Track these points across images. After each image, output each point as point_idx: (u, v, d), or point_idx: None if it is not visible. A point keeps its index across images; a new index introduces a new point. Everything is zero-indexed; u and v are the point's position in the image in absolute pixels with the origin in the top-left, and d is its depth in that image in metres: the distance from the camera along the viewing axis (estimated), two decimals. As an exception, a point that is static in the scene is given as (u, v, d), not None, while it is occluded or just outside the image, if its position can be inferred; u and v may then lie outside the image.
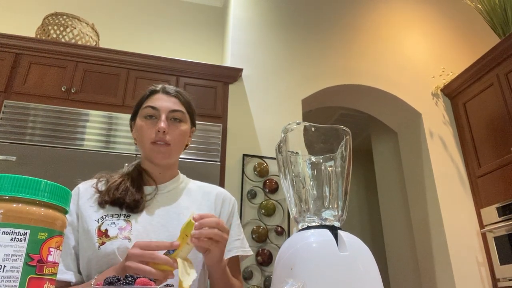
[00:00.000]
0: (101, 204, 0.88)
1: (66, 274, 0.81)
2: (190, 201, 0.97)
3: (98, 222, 0.85)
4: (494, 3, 2.96)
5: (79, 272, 0.84)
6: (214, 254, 0.74)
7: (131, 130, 1.02)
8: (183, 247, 0.68)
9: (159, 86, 1.00)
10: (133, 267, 0.66)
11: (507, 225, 2.48)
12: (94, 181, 0.95)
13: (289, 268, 0.60)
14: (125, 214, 0.87)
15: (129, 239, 0.82)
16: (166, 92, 0.98)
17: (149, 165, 0.96)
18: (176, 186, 0.99)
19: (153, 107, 0.93)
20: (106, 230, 0.83)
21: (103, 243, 0.81)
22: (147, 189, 0.94)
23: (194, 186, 1.04)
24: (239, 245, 0.97)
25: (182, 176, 1.04)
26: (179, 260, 0.67)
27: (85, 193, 0.92)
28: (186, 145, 1.02)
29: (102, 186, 0.92)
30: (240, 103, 2.70)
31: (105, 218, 0.86)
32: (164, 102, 0.95)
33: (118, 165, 2.20)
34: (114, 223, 0.85)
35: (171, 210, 0.93)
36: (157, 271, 0.66)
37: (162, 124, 0.90)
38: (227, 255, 0.92)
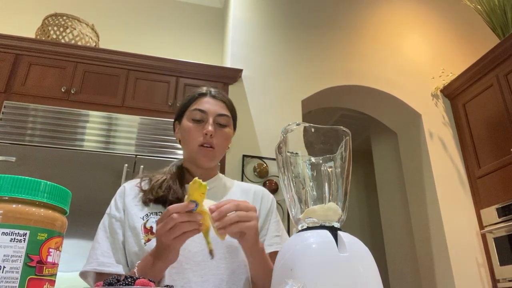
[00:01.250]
0: (145, 202, 0.91)
1: (117, 268, 0.84)
2: (230, 198, 0.98)
3: (143, 220, 0.88)
4: (494, 4, 2.96)
5: (127, 266, 0.86)
6: (249, 236, 0.74)
7: (174, 130, 1.04)
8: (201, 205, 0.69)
9: (205, 89, 1.02)
10: (168, 233, 0.68)
11: (506, 226, 2.48)
12: (138, 180, 0.98)
13: (288, 269, 0.60)
14: None
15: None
16: (214, 96, 1.00)
17: (192, 166, 0.99)
18: (217, 185, 1.02)
19: (201, 110, 0.96)
20: (151, 227, 0.86)
21: (148, 240, 0.84)
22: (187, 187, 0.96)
23: (233, 184, 1.07)
24: (279, 241, 0.97)
25: (221, 176, 1.07)
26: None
27: (130, 191, 0.95)
28: (227, 148, 1.05)
29: (145, 185, 0.95)
30: (239, 103, 2.70)
31: (149, 215, 0.89)
32: (212, 106, 0.97)
33: (118, 166, 2.20)
34: None
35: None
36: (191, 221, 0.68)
37: (210, 128, 0.93)
38: (268, 250, 0.92)
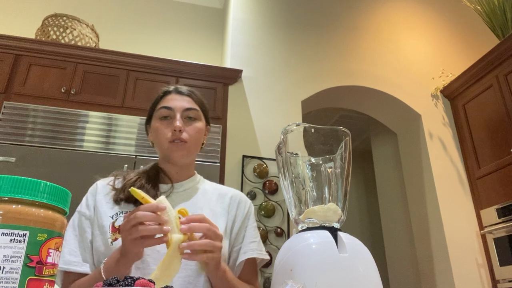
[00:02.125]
0: (116, 201, 0.89)
1: (84, 267, 0.83)
2: (205, 201, 0.97)
3: (113, 218, 0.87)
4: (494, 4, 2.96)
5: (94, 264, 0.85)
6: (210, 266, 0.74)
7: (147, 134, 1.03)
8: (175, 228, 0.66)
9: (171, 87, 1.01)
10: (129, 232, 0.67)
11: (506, 226, 2.48)
12: (111, 178, 0.97)
13: (288, 270, 0.60)
14: None
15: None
16: (179, 92, 0.99)
17: (167, 165, 0.98)
18: (193, 186, 1.00)
19: (167, 107, 0.95)
20: (120, 226, 0.85)
21: (115, 239, 0.83)
22: (163, 187, 0.95)
23: (210, 187, 1.05)
24: (255, 247, 0.95)
25: (198, 177, 1.05)
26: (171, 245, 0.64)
27: (102, 189, 0.94)
28: (202, 144, 1.03)
29: (118, 184, 0.94)
30: (239, 104, 2.70)
31: (119, 214, 0.87)
32: (178, 102, 0.96)
33: (118, 166, 2.20)
34: None
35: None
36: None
37: (178, 123, 0.92)
38: (242, 257, 0.92)
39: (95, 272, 0.79)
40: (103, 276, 0.73)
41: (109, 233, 0.84)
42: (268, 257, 0.98)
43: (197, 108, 0.99)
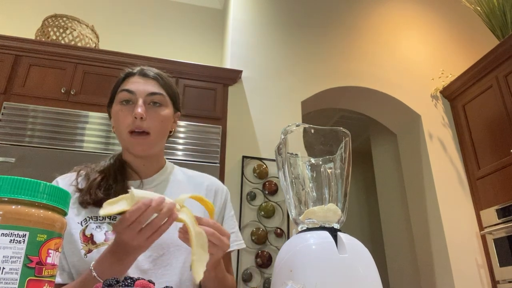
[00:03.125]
0: (83, 204, 0.80)
1: (62, 276, 0.77)
2: (179, 194, 0.93)
3: (82, 225, 0.78)
4: (493, 5, 2.96)
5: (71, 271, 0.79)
6: (213, 258, 0.69)
7: (110, 118, 0.92)
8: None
9: (136, 69, 0.90)
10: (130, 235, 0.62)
11: (506, 227, 2.48)
12: (73, 176, 0.87)
13: (288, 270, 0.60)
14: (110, 216, 0.79)
15: None
16: (144, 74, 0.89)
17: (131, 156, 0.88)
18: (164, 178, 0.91)
19: (129, 91, 0.85)
20: (92, 235, 0.77)
21: (89, 251, 0.76)
22: (131, 184, 0.85)
23: (184, 176, 0.96)
24: (234, 238, 0.90)
25: (169, 166, 0.96)
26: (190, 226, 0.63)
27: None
28: (171, 132, 0.93)
29: (82, 183, 0.84)
30: (239, 105, 2.70)
31: (88, 220, 0.79)
32: (141, 86, 0.86)
33: (118, 166, 2.19)
34: (99, 226, 0.78)
35: None
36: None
37: (139, 110, 0.81)
38: None
39: (85, 277, 0.69)
40: (99, 280, 0.68)
41: (80, 243, 0.77)
42: (244, 245, 0.94)
43: (163, 93, 0.88)
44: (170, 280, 0.79)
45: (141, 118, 0.81)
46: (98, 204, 0.77)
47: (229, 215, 0.95)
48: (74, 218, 0.80)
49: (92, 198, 0.80)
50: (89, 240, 0.77)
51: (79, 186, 0.84)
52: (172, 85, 0.93)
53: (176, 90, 0.95)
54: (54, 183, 0.86)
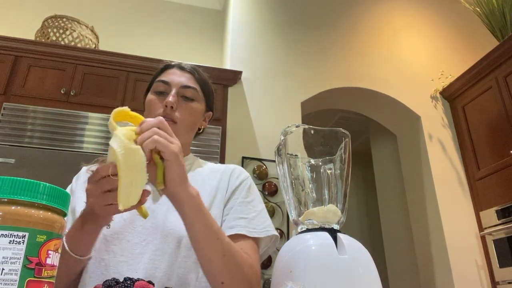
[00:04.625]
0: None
1: None
2: (194, 183, 0.84)
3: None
4: (493, 6, 2.97)
5: None
6: (171, 167, 0.61)
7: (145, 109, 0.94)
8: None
9: (175, 62, 0.94)
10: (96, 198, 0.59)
11: (506, 228, 2.48)
12: (95, 165, 0.86)
13: (288, 271, 0.60)
14: None
15: (108, 226, 0.73)
16: (181, 68, 0.92)
17: None
18: (185, 164, 0.90)
19: (164, 82, 0.87)
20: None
21: None
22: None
23: (206, 168, 0.93)
24: (244, 224, 0.81)
25: (193, 158, 0.94)
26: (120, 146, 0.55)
27: (85, 174, 0.87)
28: (200, 130, 0.94)
29: None
30: (239, 105, 2.70)
31: None
32: (176, 77, 0.88)
33: (117, 167, 2.19)
34: None
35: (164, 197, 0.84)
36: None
37: (171, 99, 0.83)
38: (228, 232, 0.78)
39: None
40: (66, 248, 0.66)
41: None
42: (264, 234, 0.81)
43: (197, 87, 0.90)
44: (160, 266, 0.74)
45: (171, 107, 0.83)
46: None
47: (244, 200, 0.85)
48: (82, 198, 0.77)
49: None
50: None
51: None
52: (208, 82, 0.94)
53: (211, 88, 0.96)
54: (81, 169, 0.90)
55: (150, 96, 0.88)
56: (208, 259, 0.69)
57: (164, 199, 0.80)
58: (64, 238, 0.63)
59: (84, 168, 0.90)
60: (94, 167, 0.86)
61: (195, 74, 0.92)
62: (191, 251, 0.75)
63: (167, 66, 0.92)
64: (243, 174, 0.92)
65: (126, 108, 0.66)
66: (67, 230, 0.74)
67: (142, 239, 0.77)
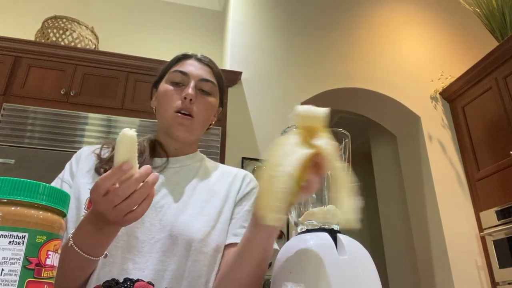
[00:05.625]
0: (97, 170, 0.77)
1: None
2: (202, 180, 0.85)
3: None
4: (492, 7, 2.97)
5: None
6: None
7: (151, 98, 0.91)
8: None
9: (190, 52, 0.89)
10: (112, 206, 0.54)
11: (506, 228, 2.48)
12: (98, 146, 0.84)
13: (288, 272, 0.60)
14: None
15: None
16: (199, 60, 0.88)
17: (166, 138, 0.86)
18: (191, 164, 0.88)
19: (182, 72, 0.84)
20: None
21: None
22: (157, 161, 0.83)
23: (213, 166, 0.93)
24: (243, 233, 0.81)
25: (200, 155, 0.93)
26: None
27: (86, 157, 0.82)
28: (210, 125, 0.92)
29: (105, 154, 0.82)
30: (239, 106, 2.70)
31: None
32: (195, 69, 0.85)
33: (117, 168, 2.19)
34: None
35: (175, 189, 0.81)
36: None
37: (190, 91, 0.80)
38: (232, 239, 0.79)
39: (64, 245, 0.60)
40: (83, 254, 0.61)
41: (83, 210, 0.73)
42: (277, 247, 0.79)
43: (215, 82, 0.87)
44: (168, 268, 0.73)
45: (190, 100, 0.80)
46: None
47: (249, 209, 0.85)
48: (86, 184, 0.77)
49: (110, 167, 0.73)
50: None
51: (102, 155, 0.81)
52: (222, 77, 0.92)
53: (224, 83, 0.94)
54: (80, 150, 0.85)
55: (166, 85, 0.84)
56: (249, 271, 0.69)
57: (175, 195, 0.79)
58: (72, 240, 0.61)
59: (85, 150, 0.85)
60: (97, 149, 0.83)
61: (214, 68, 0.89)
62: (201, 255, 0.75)
63: (185, 56, 0.89)
64: (254, 182, 0.92)
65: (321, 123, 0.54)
66: (71, 224, 0.73)
67: (151, 236, 0.74)
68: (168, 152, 0.86)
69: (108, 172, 0.54)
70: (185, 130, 0.82)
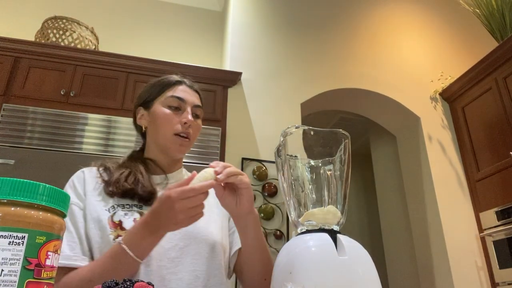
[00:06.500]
0: (110, 194, 0.86)
1: (84, 261, 0.77)
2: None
3: (110, 212, 0.83)
4: (492, 7, 2.97)
5: (92, 258, 0.80)
6: (244, 197, 0.77)
7: (135, 117, 1.01)
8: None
9: (179, 77, 1.00)
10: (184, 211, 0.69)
11: (506, 229, 2.48)
12: (95, 169, 0.94)
13: (288, 272, 0.60)
14: (136, 205, 0.86)
15: None
16: (190, 86, 1.00)
17: (159, 155, 0.96)
18: (181, 178, 0.98)
19: (180, 98, 0.94)
20: (120, 221, 0.81)
21: (118, 236, 0.78)
22: (156, 179, 0.93)
23: None
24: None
25: (184, 171, 1.04)
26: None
27: (91, 180, 0.90)
28: None
29: (105, 176, 0.90)
30: (239, 106, 2.70)
31: (116, 208, 0.84)
32: (189, 96, 0.97)
33: (117, 168, 2.19)
34: (126, 214, 0.83)
35: None
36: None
37: (190, 117, 0.92)
38: (236, 246, 0.93)
39: (114, 250, 0.73)
40: (131, 254, 0.72)
41: (108, 229, 0.80)
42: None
43: (202, 107, 1.00)
44: (199, 268, 0.83)
45: (189, 125, 0.93)
46: (125, 194, 0.85)
47: None
48: (101, 204, 0.85)
49: (120, 189, 0.85)
50: (117, 226, 0.81)
51: (105, 178, 0.90)
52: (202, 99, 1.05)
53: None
54: (79, 172, 0.93)
55: (163, 109, 0.94)
56: (261, 261, 0.87)
57: None
58: (123, 242, 0.72)
59: (87, 173, 0.92)
60: (98, 174, 0.92)
61: (200, 94, 1.02)
62: (221, 255, 0.89)
63: (178, 82, 0.99)
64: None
65: None
66: (95, 244, 0.81)
67: (174, 244, 0.83)
68: (163, 168, 0.96)
69: (189, 187, 0.70)
70: (182, 150, 0.94)
